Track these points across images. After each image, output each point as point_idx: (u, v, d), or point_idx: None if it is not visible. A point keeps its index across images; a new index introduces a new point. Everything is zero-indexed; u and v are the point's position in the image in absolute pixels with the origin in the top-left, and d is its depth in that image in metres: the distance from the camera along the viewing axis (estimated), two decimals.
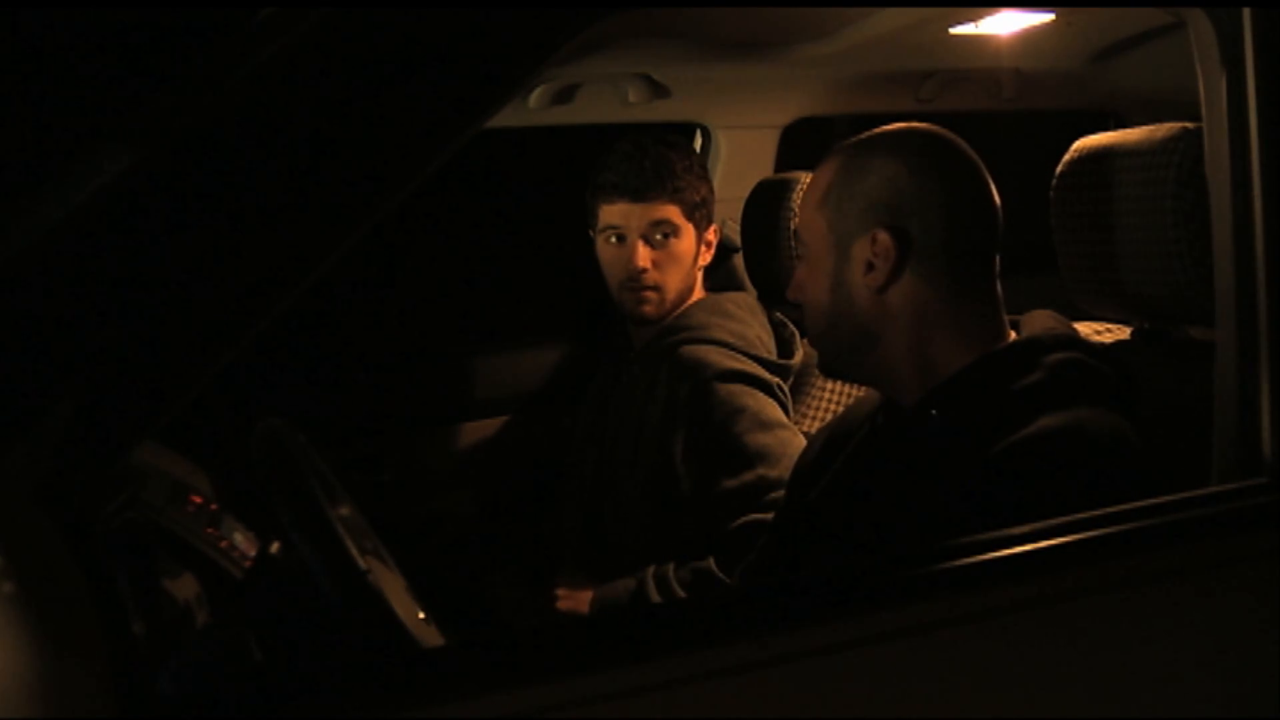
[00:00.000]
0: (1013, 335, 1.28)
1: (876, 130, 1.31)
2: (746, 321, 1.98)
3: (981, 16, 1.84)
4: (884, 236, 1.23)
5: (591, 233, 2.01)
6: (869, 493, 1.27)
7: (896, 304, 1.25)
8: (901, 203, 1.24)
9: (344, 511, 1.20)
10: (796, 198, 2.03)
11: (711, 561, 1.77)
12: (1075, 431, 1.12)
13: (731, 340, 1.92)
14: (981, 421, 1.16)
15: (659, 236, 1.93)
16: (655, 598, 1.77)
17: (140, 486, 1.31)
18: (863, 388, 2.01)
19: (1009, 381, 1.19)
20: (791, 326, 2.06)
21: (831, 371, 1.40)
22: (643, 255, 1.92)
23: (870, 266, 1.25)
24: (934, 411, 1.22)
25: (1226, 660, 1.03)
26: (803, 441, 1.80)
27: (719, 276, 2.30)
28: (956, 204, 1.25)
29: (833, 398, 2.03)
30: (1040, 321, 1.30)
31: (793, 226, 2.03)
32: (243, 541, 1.44)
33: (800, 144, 2.42)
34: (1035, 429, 1.12)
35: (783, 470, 1.74)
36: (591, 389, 2.13)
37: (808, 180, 2.03)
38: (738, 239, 2.22)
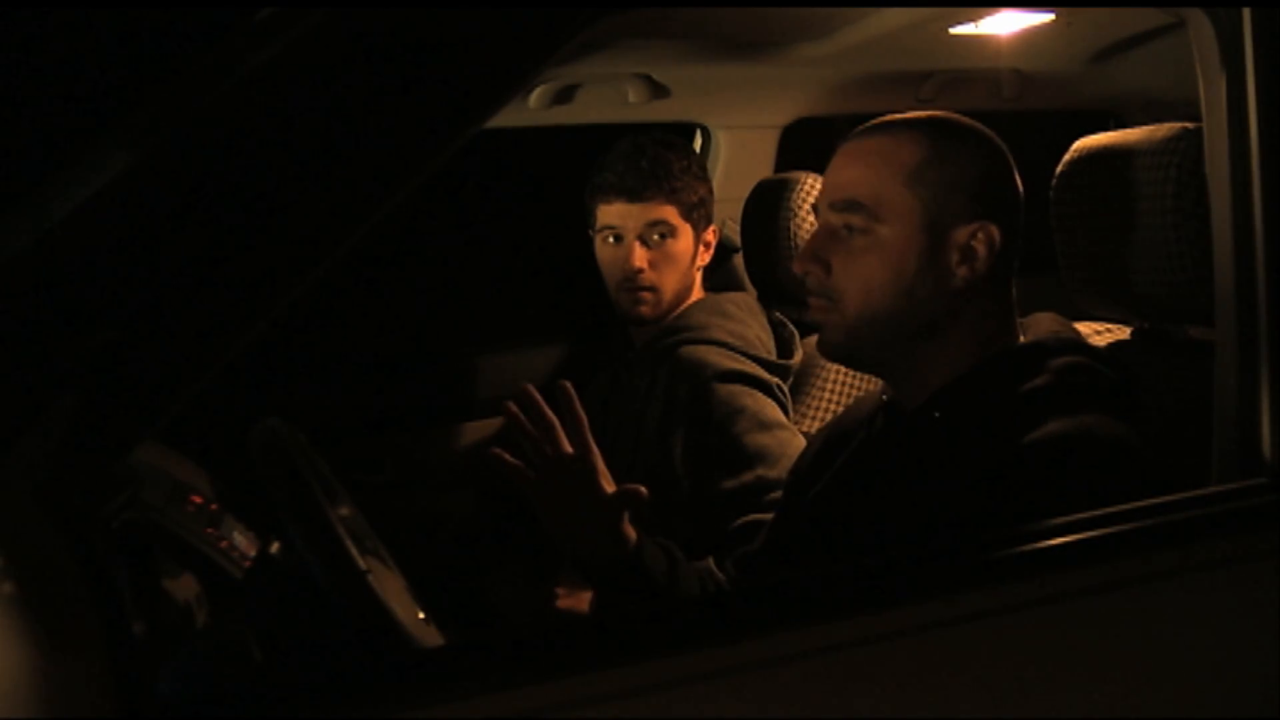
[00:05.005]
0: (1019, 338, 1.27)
1: (949, 115, 1.26)
2: (746, 322, 1.98)
3: (981, 16, 1.84)
4: (995, 229, 1.21)
5: (590, 233, 2.01)
6: (869, 495, 1.26)
7: (966, 300, 1.22)
8: (1000, 199, 1.23)
9: (344, 511, 1.20)
10: (796, 198, 2.03)
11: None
12: (1081, 438, 1.11)
13: (731, 340, 1.92)
14: (986, 426, 1.15)
15: (655, 237, 1.93)
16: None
17: (140, 486, 1.30)
18: (863, 388, 2.02)
19: (1014, 385, 1.18)
20: (791, 326, 2.06)
21: (843, 358, 1.29)
22: (639, 255, 1.92)
23: (971, 254, 1.20)
24: (937, 414, 1.21)
25: (1227, 660, 1.03)
26: (802, 442, 1.80)
27: (719, 276, 2.30)
28: (1021, 211, 1.25)
29: (833, 397, 2.03)
30: (1045, 324, 1.29)
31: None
32: (243, 541, 1.44)
33: (800, 144, 2.42)
34: (1041, 435, 1.11)
35: (782, 470, 1.74)
36: (591, 389, 2.13)
37: (809, 180, 2.05)
38: (738, 239, 2.22)
